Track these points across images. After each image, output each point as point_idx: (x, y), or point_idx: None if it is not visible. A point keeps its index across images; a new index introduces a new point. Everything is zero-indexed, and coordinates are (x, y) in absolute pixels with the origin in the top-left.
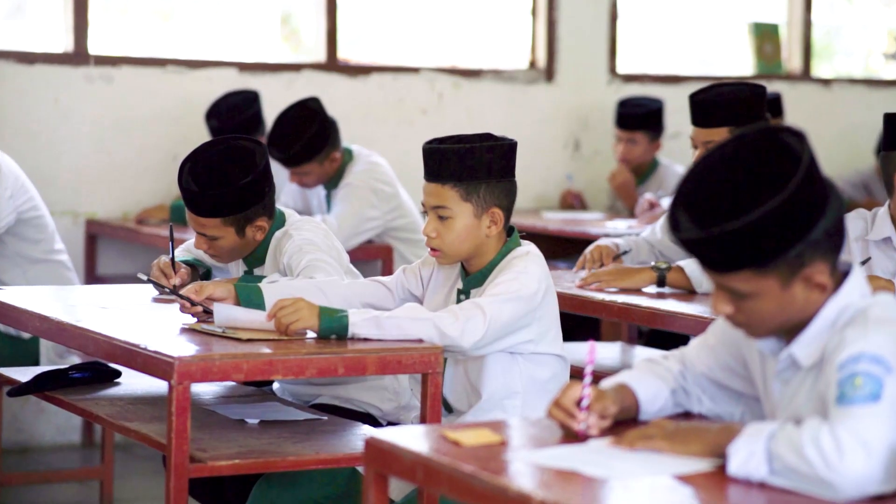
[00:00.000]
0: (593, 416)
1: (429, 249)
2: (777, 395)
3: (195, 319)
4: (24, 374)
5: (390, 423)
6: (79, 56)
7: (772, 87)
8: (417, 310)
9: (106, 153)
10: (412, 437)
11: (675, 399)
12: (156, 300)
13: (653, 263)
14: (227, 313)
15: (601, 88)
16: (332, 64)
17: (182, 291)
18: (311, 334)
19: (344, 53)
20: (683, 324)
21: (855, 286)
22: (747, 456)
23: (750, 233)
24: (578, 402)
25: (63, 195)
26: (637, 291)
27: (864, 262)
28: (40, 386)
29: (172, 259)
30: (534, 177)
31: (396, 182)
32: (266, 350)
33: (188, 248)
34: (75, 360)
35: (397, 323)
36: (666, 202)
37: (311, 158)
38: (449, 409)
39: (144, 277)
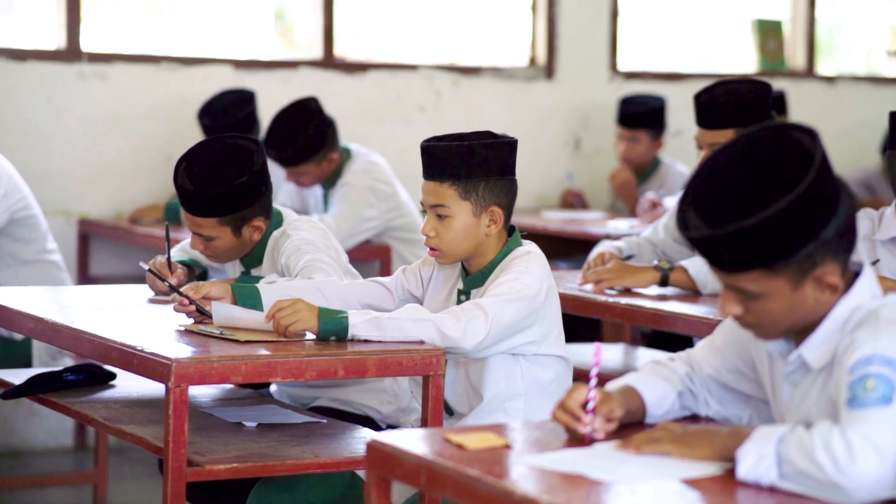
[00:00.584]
0: (599, 419)
1: (428, 249)
2: (786, 398)
3: (191, 320)
4: (16, 377)
5: (390, 426)
6: (71, 53)
7: (775, 84)
8: (418, 311)
9: (99, 152)
10: (415, 441)
11: (681, 402)
12: (152, 301)
13: (655, 262)
14: (226, 312)
15: (602, 86)
16: (329, 61)
17: (181, 289)
18: (310, 336)
19: (341, 50)
20: (688, 325)
21: (866, 287)
22: (757, 460)
23: (760, 232)
24: (584, 405)
25: (55, 194)
26: (639, 292)
27: (873, 264)
28: (34, 388)
29: (168, 259)
30: (534, 176)
31: (395, 181)
32: (265, 352)
33: (184, 247)
34: (68, 361)
35: (398, 324)
36: (668, 201)
37: (308, 159)
38: (450, 411)
39: (146, 266)
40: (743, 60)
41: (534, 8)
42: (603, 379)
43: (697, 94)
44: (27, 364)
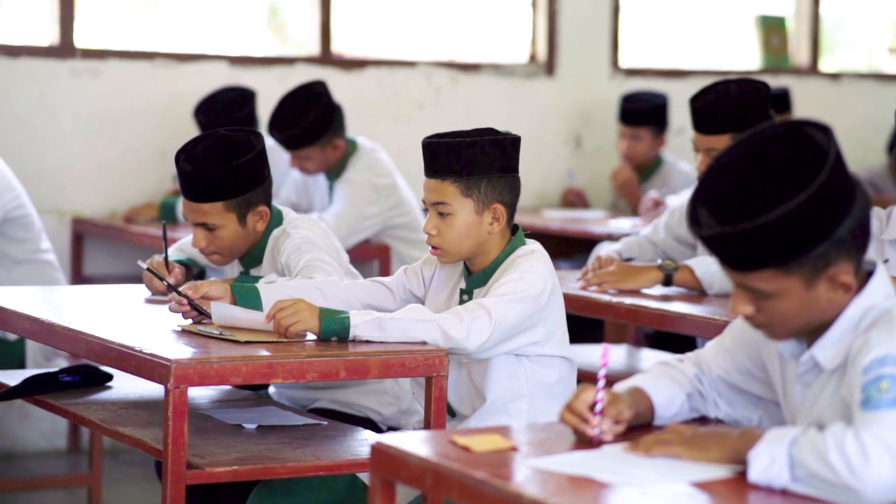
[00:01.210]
0: (607, 420)
1: (429, 248)
2: (798, 399)
3: (188, 321)
4: (10, 378)
5: (391, 428)
6: (65, 49)
7: (779, 81)
8: (421, 311)
9: (93, 149)
10: (419, 443)
11: (690, 403)
12: (149, 301)
13: (659, 262)
14: (225, 312)
15: (603, 83)
16: (326, 57)
17: (179, 289)
18: (311, 336)
19: (338, 46)
20: (694, 326)
21: (879, 286)
22: (769, 462)
23: (774, 230)
24: (592, 407)
25: (48, 193)
26: (642, 293)
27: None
28: (29, 390)
29: (166, 258)
30: (534, 174)
31: (399, 178)
32: (265, 353)
33: (182, 247)
34: (62, 362)
35: (400, 325)
36: (671, 200)
37: (312, 142)
38: (452, 413)
39: (143, 265)
40: (746, 57)
41: (534, 4)
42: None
43: (692, 97)
44: (21, 365)
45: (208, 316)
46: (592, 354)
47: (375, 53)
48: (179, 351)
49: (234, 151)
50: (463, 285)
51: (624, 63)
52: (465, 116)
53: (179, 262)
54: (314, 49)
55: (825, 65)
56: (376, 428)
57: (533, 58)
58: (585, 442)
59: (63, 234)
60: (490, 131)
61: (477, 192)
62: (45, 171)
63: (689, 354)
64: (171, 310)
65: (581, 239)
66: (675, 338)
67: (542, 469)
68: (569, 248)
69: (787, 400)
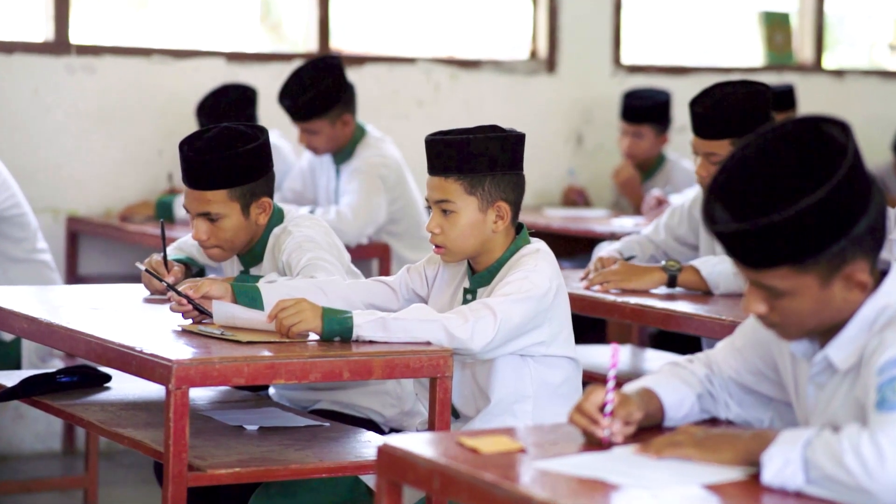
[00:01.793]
0: (617, 422)
1: (432, 248)
2: (811, 400)
3: (189, 321)
4: (7, 379)
5: (393, 430)
6: (60, 45)
7: (782, 78)
8: (425, 311)
9: (88, 147)
10: (426, 445)
11: (701, 404)
12: (147, 300)
13: (663, 263)
14: (227, 311)
15: (605, 80)
16: (325, 54)
17: (179, 289)
18: (313, 336)
19: (337, 43)
20: (700, 326)
21: (894, 285)
22: (783, 464)
23: (791, 227)
24: (601, 408)
25: (43, 191)
26: (646, 292)
27: None
28: (27, 391)
29: (165, 257)
30: (535, 172)
31: (405, 171)
32: (267, 353)
33: (180, 246)
34: (58, 363)
35: (404, 325)
36: (674, 199)
37: (322, 113)
38: (455, 414)
39: (142, 267)
40: (749, 54)
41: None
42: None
43: (692, 101)
44: (16, 366)
45: (209, 315)
46: (596, 355)
47: (374, 50)
48: (181, 351)
49: (239, 140)
50: (466, 284)
51: (626, 60)
52: (465, 114)
53: (178, 260)
54: (312, 45)
55: (828, 62)
56: (378, 429)
57: (534, 54)
58: (595, 443)
59: (58, 233)
60: (494, 128)
61: (481, 189)
62: (39, 169)
63: (699, 355)
64: (171, 310)
65: (583, 238)
66: (678, 338)
67: (551, 471)
68: (570, 248)
69: (800, 401)
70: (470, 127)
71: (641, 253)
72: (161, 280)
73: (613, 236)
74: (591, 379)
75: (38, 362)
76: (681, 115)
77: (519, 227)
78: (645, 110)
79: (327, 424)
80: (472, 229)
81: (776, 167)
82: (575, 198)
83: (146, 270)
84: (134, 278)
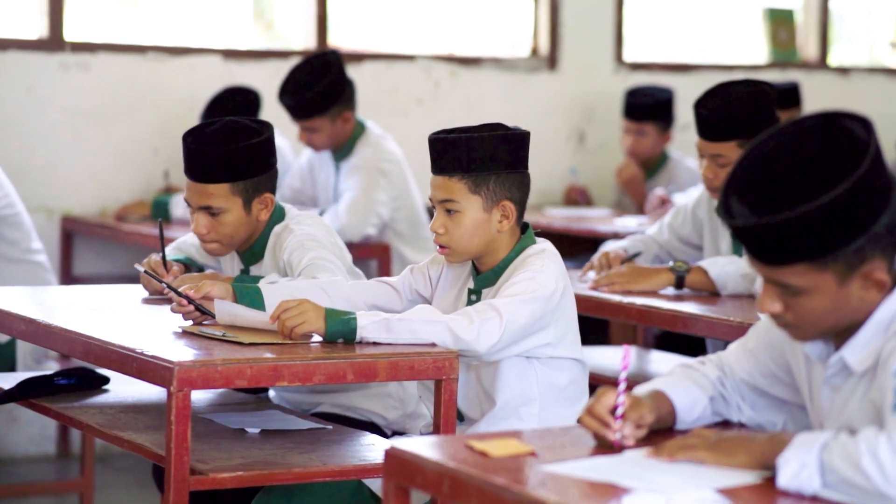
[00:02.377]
0: (629, 425)
1: (436, 248)
2: (826, 403)
3: (189, 322)
4: (3, 381)
5: (395, 433)
6: (54, 42)
7: (787, 76)
8: (430, 312)
9: (83, 145)
10: (435, 448)
11: (713, 407)
12: (146, 301)
13: (671, 264)
14: (229, 310)
15: (607, 77)
16: (323, 51)
17: (179, 289)
18: (316, 338)
19: (335, 40)
20: (707, 327)
21: None
22: (798, 468)
23: (811, 223)
24: (612, 411)
25: (36, 190)
26: (653, 293)
27: None
28: (24, 393)
29: (163, 257)
30: (536, 171)
31: (405, 168)
32: (270, 355)
33: (179, 246)
34: (53, 365)
35: (409, 326)
36: (677, 198)
37: (323, 111)
38: (460, 417)
39: (141, 268)
40: (753, 51)
41: None
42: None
43: (696, 102)
44: (11, 368)
45: (211, 316)
46: (599, 357)
47: (373, 47)
48: (182, 353)
49: (243, 134)
50: (471, 285)
51: (628, 57)
52: (465, 112)
53: (178, 261)
54: (311, 42)
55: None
56: (380, 432)
57: (535, 51)
58: (605, 447)
59: (52, 233)
60: (499, 126)
61: (485, 188)
62: (33, 168)
63: (711, 357)
64: (172, 310)
65: (585, 238)
66: (683, 339)
67: (562, 474)
68: (572, 248)
69: (815, 404)
70: (474, 125)
71: (646, 252)
72: (160, 281)
73: (616, 236)
74: (597, 381)
75: (32, 364)
76: (684, 112)
77: (524, 227)
78: (648, 108)
79: (330, 427)
80: (476, 229)
81: (796, 162)
82: (577, 197)
83: (145, 272)
84: (130, 279)
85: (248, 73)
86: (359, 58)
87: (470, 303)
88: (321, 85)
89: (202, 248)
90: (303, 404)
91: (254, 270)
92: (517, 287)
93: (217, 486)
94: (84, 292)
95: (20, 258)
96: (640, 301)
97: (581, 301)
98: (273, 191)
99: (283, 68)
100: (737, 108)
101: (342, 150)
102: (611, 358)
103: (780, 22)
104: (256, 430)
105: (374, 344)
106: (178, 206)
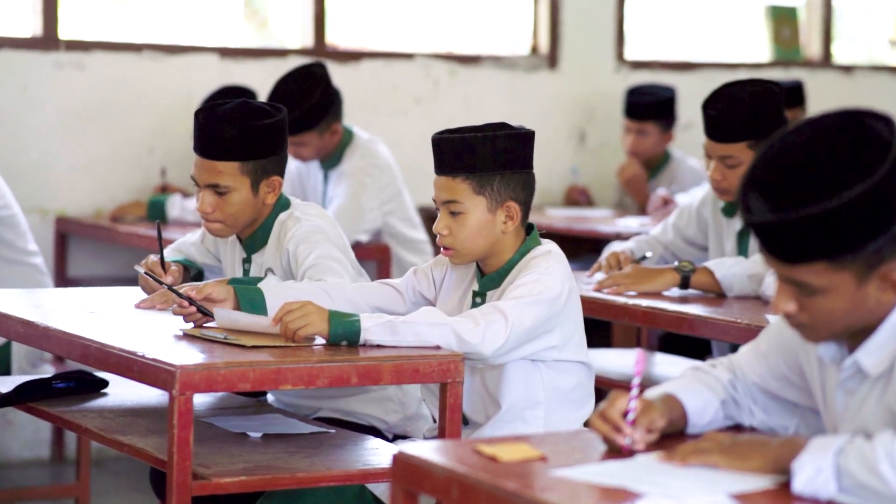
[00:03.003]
0: (639, 430)
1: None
2: (840, 407)
3: (191, 324)
4: (0, 385)
5: (397, 436)
6: (48, 41)
7: (790, 74)
8: (435, 314)
9: (77, 145)
10: (443, 453)
11: (725, 411)
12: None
13: (677, 264)
14: (228, 316)
15: (608, 76)
16: (320, 49)
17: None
18: (319, 340)
19: (332, 38)
20: (713, 329)
21: None
22: (814, 472)
23: (831, 220)
24: (624, 415)
25: (31, 190)
26: (658, 294)
27: None
28: (22, 397)
29: (162, 258)
30: (536, 171)
31: (396, 170)
32: (273, 358)
33: (178, 247)
34: (48, 368)
35: (413, 328)
36: (680, 198)
37: (311, 127)
38: (465, 421)
39: (140, 270)
40: (756, 49)
41: None
42: (619, 387)
43: (705, 103)
44: (6, 371)
45: (212, 318)
46: (602, 359)
47: (371, 45)
48: (184, 356)
49: (257, 115)
50: (476, 287)
51: (629, 55)
52: (464, 111)
53: (176, 262)
54: (308, 41)
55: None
56: (381, 436)
57: (535, 50)
58: (616, 451)
59: (46, 234)
60: (503, 126)
61: (490, 189)
62: (27, 167)
63: (722, 359)
64: (173, 312)
65: (587, 239)
66: (686, 341)
67: (573, 479)
68: (574, 249)
69: (828, 407)
70: (478, 125)
71: (652, 254)
72: (160, 282)
73: (619, 237)
74: (601, 384)
75: (28, 367)
76: (686, 111)
77: (529, 228)
78: (649, 107)
79: (333, 431)
80: (481, 230)
81: (817, 159)
82: (578, 197)
83: (145, 273)
84: (126, 280)
85: (244, 72)
86: (357, 56)
87: (474, 305)
88: (309, 102)
89: (204, 228)
90: (302, 409)
91: (256, 258)
92: (522, 289)
93: (220, 490)
94: (81, 294)
95: (16, 260)
96: (645, 303)
97: (585, 303)
98: (282, 174)
99: (280, 67)
100: (747, 109)
101: (331, 159)
102: (614, 361)
103: (783, 20)
104: (258, 435)
105: (378, 347)
106: (175, 207)
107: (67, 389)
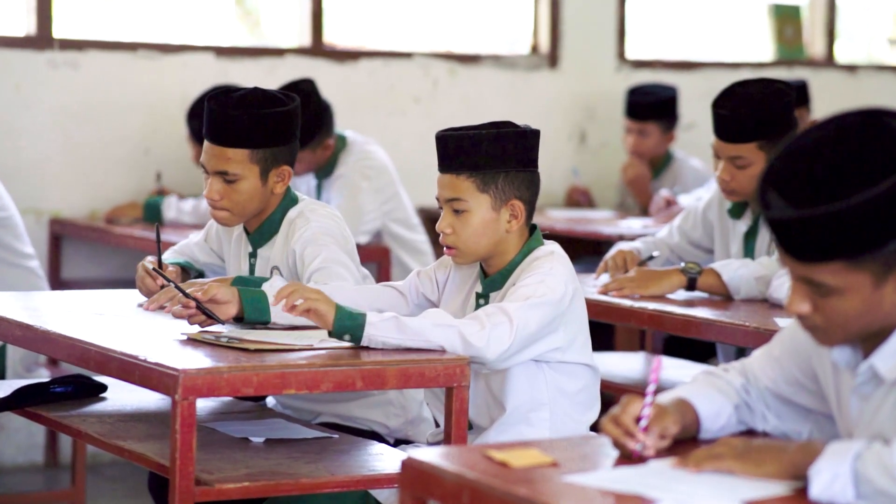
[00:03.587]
0: (652, 436)
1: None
2: (855, 413)
3: (195, 327)
4: None
5: (399, 441)
6: (42, 40)
7: (794, 73)
8: (441, 316)
9: (72, 145)
10: (452, 458)
11: (738, 415)
12: (141, 305)
13: (683, 265)
14: (239, 335)
15: (609, 75)
16: (318, 48)
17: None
18: (321, 343)
19: (330, 37)
20: (721, 332)
21: None
22: (831, 478)
23: (851, 218)
24: (637, 421)
25: (24, 191)
26: (663, 297)
27: None
28: (20, 401)
29: (160, 259)
30: None
31: (392, 171)
32: (277, 361)
33: (180, 249)
34: (43, 371)
35: (419, 327)
36: (683, 200)
37: (303, 146)
38: (469, 425)
39: (150, 265)
40: (759, 48)
41: None
42: (621, 391)
43: (714, 102)
44: (0, 375)
45: (218, 321)
46: (606, 362)
47: (369, 44)
48: (186, 360)
49: (269, 102)
50: (479, 289)
51: (631, 54)
52: (463, 110)
53: (177, 264)
54: (305, 39)
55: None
56: (383, 441)
57: (535, 49)
58: (627, 456)
59: (40, 236)
60: (508, 124)
61: (494, 187)
62: (21, 168)
63: (734, 364)
64: (174, 314)
65: (588, 240)
66: (690, 344)
67: (586, 486)
68: (575, 250)
69: (843, 413)
70: (482, 123)
71: (659, 255)
72: (169, 280)
73: (622, 238)
74: (606, 388)
75: (23, 372)
76: (688, 111)
77: (532, 229)
78: (649, 107)
79: (336, 436)
80: (484, 229)
81: (837, 157)
82: (579, 198)
83: (154, 269)
84: (120, 283)
85: (241, 71)
86: (354, 55)
87: (478, 306)
88: (302, 122)
89: (210, 216)
90: (303, 415)
91: (262, 253)
92: (526, 290)
93: (223, 497)
94: (79, 297)
95: (13, 262)
96: (651, 306)
97: (591, 306)
98: (292, 164)
99: (276, 66)
100: (757, 109)
101: (324, 169)
102: (618, 364)
103: (786, 19)
104: (261, 440)
105: (382, 349)
106: (171, 209)
107: (65, 394)
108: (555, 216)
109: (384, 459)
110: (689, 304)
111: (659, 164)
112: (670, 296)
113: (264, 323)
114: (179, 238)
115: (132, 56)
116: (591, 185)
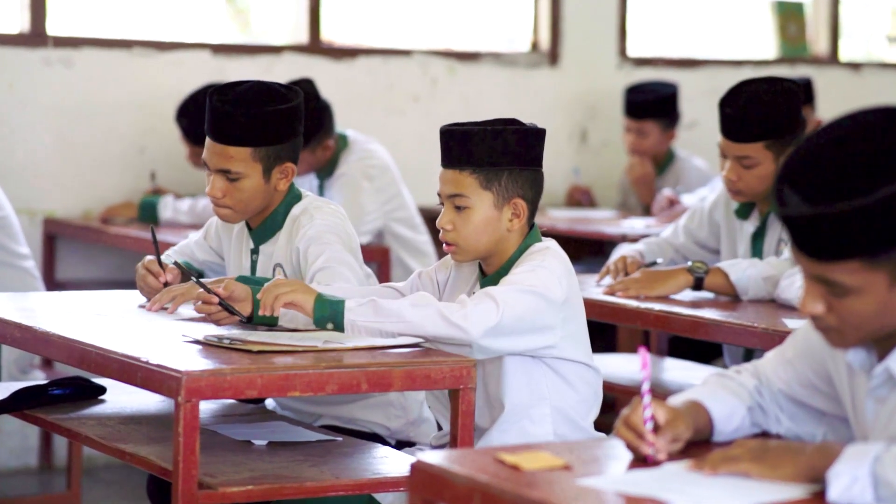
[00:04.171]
0: (663, 439)
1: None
2: (870, 416)
3: (196, 328)
4: None
5: (400, 442)
6: (36, 37)
7: (797, 71)
8: (421, 297)
9: (66, 144)
10: (462, 461)
11: (752, 418)
12: (143, 307)
13: (689, 264)
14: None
15: (610, 73)
16: (315, 46)
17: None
18: (324, 343)
19: (328, 34)
20: (729, 333)
21: None
22: (850, 481)
23: (868, 216)
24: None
25: (18, 191)
26: (668, 298)
27: None
28: (18, 404)
29: (159, 260)
30: None
31: (394, 170)
32: (281, 363)
33: (181, 249)
34: (39, 374)
35: (397, 309)
36: (686, 199)
37: (304, 147)
38: None
39: (170, 262)
40: (762, 45)
41: None
42: (624, 392)
43: (722, 101)
44: None
45: (241, 317)
46: (608, 364)
47: (367, 41)
48: (189, 361)
49: (273, 98)
50: (478, 288)
51: (632, 52)
52: (463, 109)
53: (177, 264)
54: (302, 36)
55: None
56: (384, 443)
57: (535, 46)
58: (640, 459)
59: (34, 236)
60: (513, 121)
61: (497, 184)
62: (14, 168)
63: (747, 365)
64: (196, 310)
65: (591, 240)
66: (695, 346)
67: (599, 489)
68: (577, 250)
69: (858, 416)
70: (487, 119)
71: (662, 258)
72: (192, 276)
73: (624, 238)
74: (609, 391)
75: (17, 373)
76: (690, 110)
77: (531, 227)
78: (648, 105)
79: (339, 439)
80: (486, 227)
81: (854, 155)
82: (580, 198)
83: (175, 263)
84: (116, 284)
85: (237, 69)
86: (353, 53)
87: None
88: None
89: (213, 212)
90: (302, 416)
91: (264, 249)
92: (515, 278)
93: (226, 500)
94: (76, 298)
95: (8, 262)
96: (657, 306)
97: (595, 307)
98: (295, 161)
99: (273, 63)
100: (765, 108)
101: (326, 169)
102: (621, 366)
103: (790, 16)
104: (264, 443)
105: (383, 349)
106: (167, 208)
107: (64, 396)
108: (556, 216)
109: (389, 462)
110: (696, 304)
111: (661, 163)
112: (676, 296)
113: (272, 324)
114: (177, 238)
115: (127, 54)
116: (592, 185)
